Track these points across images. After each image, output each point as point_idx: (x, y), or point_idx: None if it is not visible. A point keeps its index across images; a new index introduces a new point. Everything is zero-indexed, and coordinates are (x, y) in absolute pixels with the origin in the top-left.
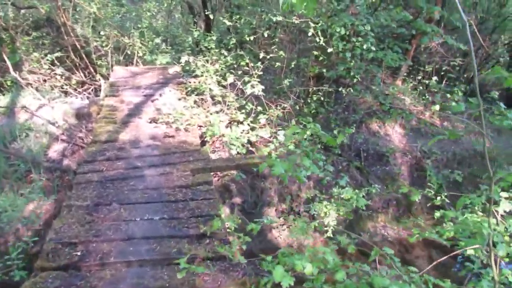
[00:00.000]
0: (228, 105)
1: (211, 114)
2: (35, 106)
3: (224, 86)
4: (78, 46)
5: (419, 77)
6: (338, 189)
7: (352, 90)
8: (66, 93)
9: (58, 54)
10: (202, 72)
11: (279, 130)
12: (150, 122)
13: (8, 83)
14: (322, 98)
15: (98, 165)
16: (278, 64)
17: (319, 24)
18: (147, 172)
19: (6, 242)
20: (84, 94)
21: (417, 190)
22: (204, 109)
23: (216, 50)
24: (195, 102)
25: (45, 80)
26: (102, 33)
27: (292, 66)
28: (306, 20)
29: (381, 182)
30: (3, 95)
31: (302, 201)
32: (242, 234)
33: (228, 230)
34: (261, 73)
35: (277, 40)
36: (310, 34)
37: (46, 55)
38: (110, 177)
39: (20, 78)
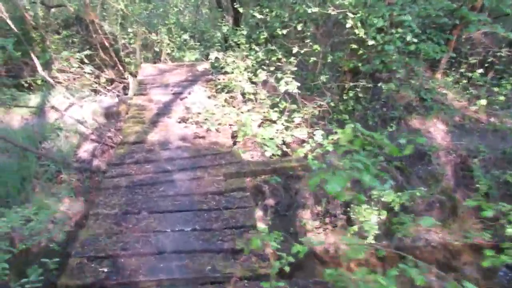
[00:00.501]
0: (260, 103)
1: (242, 113)
2: (64, 105)
3: (254, 83)
4: (107, 44)
5: (462, 70)
6: (379, 191)
7: (391, 85)
8: (95, 91)
9: (87, 52)
10: (232, 69)
11: (316, 129)
12: (180, 122)
13: (38, 82)
14: (358, 94)
15: (127, 169)
16: (313, 59)
17: (358, 15)
18: (177, 176)
19: (39, 243)
20: (114, 92)
21: (489, 204)
22: (235, 107)
23: (246, 45)
24: (225, 100)
25: (74, 79)
26: (129, 30)
27: (329, 60)
28: (344, 10)
29: (424, 183)
30: (34, 94)
31: (339, 203)
32: (285, 254)
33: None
34: (295, 68)
35: (310, 33)
36: (348, 26)
37: (75, 53)
38: (139, 182)
39: (49, 77)
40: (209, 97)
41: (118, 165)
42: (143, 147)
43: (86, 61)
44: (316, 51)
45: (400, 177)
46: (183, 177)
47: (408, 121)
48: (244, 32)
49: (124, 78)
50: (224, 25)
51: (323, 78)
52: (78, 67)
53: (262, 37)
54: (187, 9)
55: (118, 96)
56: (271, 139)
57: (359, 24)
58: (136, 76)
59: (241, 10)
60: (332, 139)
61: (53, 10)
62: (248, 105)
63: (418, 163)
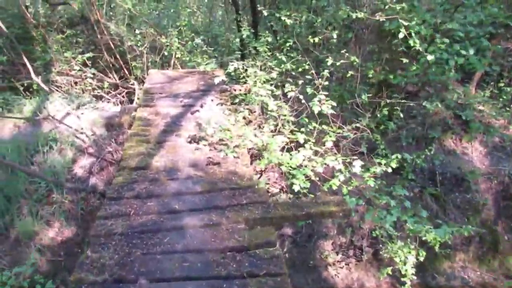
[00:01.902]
0: (285, 122)
1: (263, 133)
2: (62, 113)
3: (276, 96)
4: (112, 46)
5: (501, 84)
6: (415, 225)
7: (435, 102)
8: (97, 97)
9: (90, 54)
10: (254, 82)
11: (354, 158)
12: (190, 142)
13: (35, 86)
14: (392, 111)
15: (125, 205)
16: (350, 72)
17: (414, 22)
18: (188, 221)
19: (24, 277)
20: (117, 98)
21: None
22: (255, 127)
23: (269, 53)
24: (243, 117)
25: (76, 83)
26: (137, 31)
27: (370, 76)
28: (394, 17)
29: (461, 213)
30: (29, 99)
31: (366, 235)
32: None
33: None
34: (326, 83)
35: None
36: (401, 35)
37: (78, 55)
38: (139, 227)
39: (45, 82)
40: (224, 111)
41: (115, 200)
42: (146, 175)
43: (89, 63)
44: (355, 63)
45: (435, 205)
46: (194, 222)
47: (442, 141)
48: (269, 39)
49: (129, 84)
50: (244, 30)
51: (363, 96)
52: (80, 69)
53: (287, 44)
54: (200, 10)
55: (121, 103)
56: (299, 167)
57: (413, 35)
58: (142, 82)
59: (265, 12)
60: (374, 172)
61: (59, 8)
62: (269, 122)
63: (455, 190)
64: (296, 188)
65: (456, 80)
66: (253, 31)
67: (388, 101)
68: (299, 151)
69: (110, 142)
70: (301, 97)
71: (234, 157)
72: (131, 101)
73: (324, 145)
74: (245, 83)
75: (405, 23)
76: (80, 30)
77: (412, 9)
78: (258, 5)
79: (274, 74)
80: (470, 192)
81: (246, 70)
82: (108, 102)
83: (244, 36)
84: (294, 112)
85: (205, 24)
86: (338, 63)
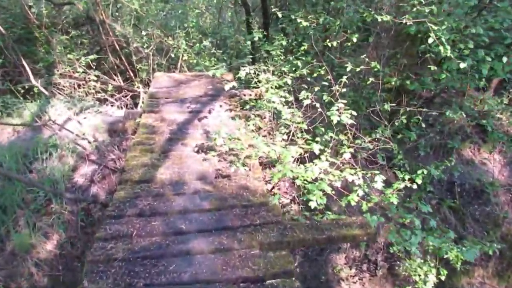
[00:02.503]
0: (297, 130)
1: (273, 142)
2: (64, 117)
3: (288, 102)
4: (117, 47)
5: None
6: (437, 242)
7: (456, 110)
8: (100, 100)
9: (93, 56)
10: (266, 89)
11: (375, 173)
12: (198, 152)
13: (36, 88)
14: (410, 120)
15: (126, 225)
16: (371, 79)
17: (444, 27)
18: (195, 245)
19: None
20: (122, 101)
21: None
22: (265, 134)
23: (282, 57)
24: (254, 124)
25: (79, 85)
26: (143, 33)
27: (387, 82)
28: (422, 20)
29: (481, 227)
30: (31, 102)
31: (381, 249)
32: None
33: None
34: (344, 89)
35: (363, 45)
36: (431, 40)
37: (81, 56)
38: (142, 252)
39: (41, 86)
40: (233, 118)
41: (115, 219)
42: (150, 189)
43: (92, 65)
44: (376, 69)
45: (453, 219)
46: (203, 247)
47: (460, 151)
48: (284, 42)
49: (134, 87)
50: (255, 32)
51: (386, 106)
52: (83, 72)
53: (302, 48)
54: (208, 11)
55: (126, 106)
56: (315, 181)
57: (443, 40)
58: (147, 85)
59: (279, 14)
60: (397, 188)
61: (64, 8)
62: (281, 131)
63: (474, 202)
64: (312, 204)
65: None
66: (264, 33)
67: (408, 109)
68: (314, 163)
69: (113, 149)
70: (317, 105)
71: (245, 167)
72: (136, 105)
73: (341, 157)
74: (255, 87)
75: (435, 27)
76: (86, 31)
77: (440, 13)
78: (271, 7)
79: (288, 80)
80: (490, 204)
81: (257, 75)
82: (112, 105)
83: (255, 39)
84: (307, 119)
85: (213, 25)
86: (358, 69)
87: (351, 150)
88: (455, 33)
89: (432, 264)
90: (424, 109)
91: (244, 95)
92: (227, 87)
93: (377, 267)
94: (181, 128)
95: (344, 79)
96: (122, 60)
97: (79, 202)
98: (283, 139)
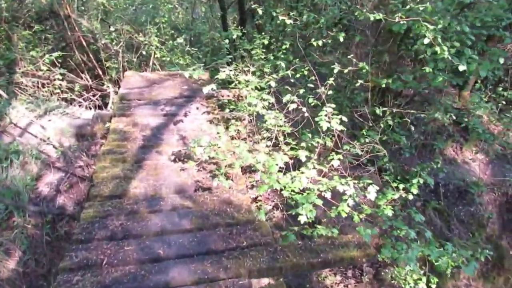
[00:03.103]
0: (279, 133)
1: (257, 149)
2: (27, 120)
3: (270, 103)
4: (84, 43)
5: (500, 89)
6: (435, 255)
7: (441, 109)
8: (67, 100)
9: (58, 53)
10: (248, 92)
11: (368, 182)
12: (174, 161)
13: None
14: (393, 120)
15: (95, 251)
16: (360, 81)
17: (440, 26)
18: (176, 275)
19: None
20: (91, 101)
21: None
22: (245, 137)
23: (262, 57)
24: (235, 129)
25: (43, 85)
26: (112, 28)
27: (380, 83)
28: (416, 19)
29: (465, 228)
30: None
31: None
32: None
33: None
34: (330, 92)
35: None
36: (426, 41)
37: (45, 53)
38: (114, 285)
39: None
40: (210, 121)
41: (83, 243)
42: (122, 206)
43: (57, 63)
44: (364, 70)
45: (438, 221)
46: (184, 277)
47: (442, 150)
48: (266, 41)
49: (104, 86)
50: (234, 30)
51: (377, 112)
52: (48, 69)
53: (283, 47)
54: (181, 6)
55: (95, 107)
56: (303, 191)
57: (439, 40)
58: (118, 84)
59: (260, 11)
60: (392, 197)
61: (26, 1)
62: (263, 135)
63: (459, 203)
64: (302, 219)
65: (449, 84)
66: (243, 31)
67: (394, 110)
68: (300, 171)
69: (81, 154)
70: (303, 109)
71: (226, 177)
72: (106, 105)
73: (329, 163)
74: (233, 88)
75: (430, 27)
76: (50, 25)
77: (433, 11)
78: (252, 3)
79: (272, 83)
80: (474, 205)
81: (237, 75)
82: (80, 105)
83: (234, 37)
84: (290, 121)
85: (186, 21)
86: (346, 70)
87: (340, 156)
88: (441, 31)
89: (422, 272)
90: (412, 111)
91: (222, 96)
92: (205, 90)
93: (363, 273)
94: (155, 134)
95: (330, 80)
96: (90, 57)
97: (44, 215)
98: (266, 145)
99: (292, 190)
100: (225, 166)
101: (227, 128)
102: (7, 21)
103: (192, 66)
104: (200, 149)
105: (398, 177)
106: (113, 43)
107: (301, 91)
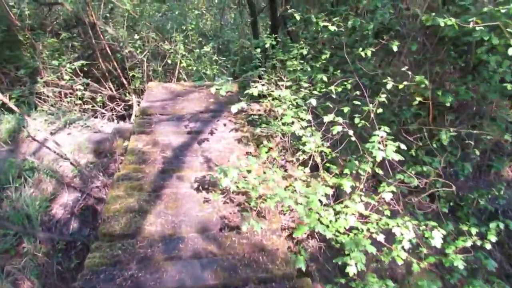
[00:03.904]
0: (317, 155)
1: (292, 176)
2: (45, 133)
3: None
4: (109, 52)
5: None
6: None
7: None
8: (90, 110)
9: (80, 62)
10: (283, 110)
11: (433, 226)
12: (198, 189)
13: (14, 96)
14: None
15: None
16: (418, 99)
17: None
18: None
19: None
20: (113, 113)
21: None
22: (279, 162)
23: (299, 67)
24: (268, 153)
25: (65, 95)
26: (136, 36)
27: (445, 100)
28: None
29: None
30: (11, 113)
31: None
32: None
33: None
34: (380, 110)
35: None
36: (511, 52)
37: (68, 63)
38: None
39: (9, 101)
40: (239, 141)
41: None
42: (134, 250)
43: (80, 73)
44: (423, 86)
45: (498, 254)
46: None
47: (498, 171)
48: (304, 51)
49: (127, 96)
50: (266, 38)
51: (444, 135)
52: (70, 79)
53: (323, 56)
54: (209, 13)
55: (118, 118)
56: (349, 231)
57: None
58: (141, 94)
59: (297, 16)
60: (463, 244)
61: (55, 8)
62: (299, 156)
63: None
64: (351, 270)
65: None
66: (277, 39)
67: (451, 129)
68: (344, 203)
69: (98, 174)
70: (350, 132)
71: (258, 213)
72: (130, 115)
73: (379, 194)
74: (264, 101)
75: None
76: (77, 33)
77: None
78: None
79: (313, 101)
80: None
81: (270, 90)
82: (103, 116)
83: (267, 45)
84: (328, 140)
85: (215, 28)
86: (401, 86)
87: (393, 188)
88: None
89: None
90: (475, 131)
91: (252, 110)
92: (234, 109)
93: None
94: (177, 155)
95: (382, 97)
96: (114, 66)
97: (56, 242)
98: (306, 180)
99: (337, 230)
100: (256, 198)
101: (257, 146)
102: (33, 28)
103: (219, 75)
104: (227, 181)
105: (451, 203)
106: (138, 52)
107: (345, 109)
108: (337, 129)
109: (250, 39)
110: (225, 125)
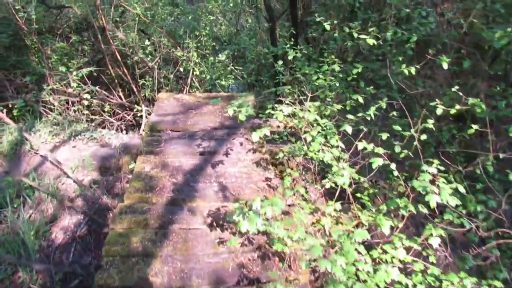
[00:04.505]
0: (347, 186)
1: (320, 210)
2: (50, 145)
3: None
4: (119, 57)
5: None
6: None
7: None
8: (98, 120)
9: (87, 70)
10: (312, 137)
11: None
12: (211, 225)
13: (18, 105)
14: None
15: None
16: (475, 127)
17: None
18: None
19: None
20: (122, 122)
21: None
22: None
23: (324, 84)
24: (293, 189)
25: (73, 103)
26: (147, 42)
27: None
28: None
29: None
30: (16, 122)
31: None
32: None
33: None
34: (424, 136)
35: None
36: None
37: (81, 66)
38: None
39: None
40: (258, 164)
41: None
42: None
43: (88, 80)
44: (480, 111)
45: None
46: None
47: None
48: (337, 67)
49: (138, 104)
50: (290, 50)
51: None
52: (78, 86)
53: (354, 71)
54: (224, 17)
55: (126, 129)
56: (390, 286)
57: None
58: (151, 103)
59: (327, 26)
60: None
61: (65, 11)
62: (326, 183)
63: None
64: None
65: None
66: (302, 50)
67: (490, 155)
68: (384, 249)
69: (101, 195)
70: (392, 166)
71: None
72: (139, 125)
73: (422, 236)
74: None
75: None
76: (87, 36)
77: None
78: (302, 12)
79: (348, 128)
80: None
81: (296, 113)
82: (111, 125)
83: (290, 57)
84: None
85: (230, 33)
86: (453, 111)
87: (441, 232)
88: None
89: None
90: None
91: (271, 126)
92: (255, 137)
93: None
94: (188, 181)
95: (429, 124)
96: (124, 72)
97: (54, 273)
98: (334, 209)
99: (377, 285)
100: (279, 239)
101: (275, 166)
102: (41, 32)
103: (236, 83)
104: (246, 225)
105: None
106: (148, 58)
107: (384, 135)
108: (377, 162)
109: (268, 46)
110: (241, 144)
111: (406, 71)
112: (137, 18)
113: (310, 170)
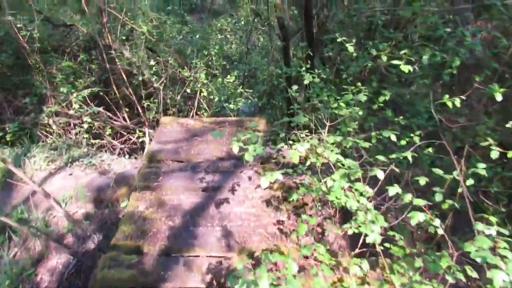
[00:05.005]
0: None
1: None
2: (45, 172)
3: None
4: (124, 77)
5: None
6: None
7: None
8: (93, 146)
9: (88, 91)
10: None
11: None
12: (210, 285)
13: (12, 129)
14: None
15: None
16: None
17: None
18: None
19: None
20: (125, 145)
21: None
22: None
23: (345, 113)
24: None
25: (74, 125)
26: (152, 62)
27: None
28: None
29: None
30: (11, 146)
31: None
32: None
33: None
34: (471, 181)
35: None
36: None
37: (86, 86)
38: None
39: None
40: (268, 203)
41: None
42: None
43: (90, 101)
44: None
45: None
46: None
47: None
48: (363, 97)
49: (142, 127)
50: (307, 75)
51: None
52: (80, 107)
53: (381, 99)
54: (235, 35)
55: (129, 153)
56: None
57: None
58: (155, 125)
59: (350, 47)
60: None
61: (73, 30)
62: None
63: None
64: None
65: None
66: (321, 75)
67: None
68: None
69: (95, 231)
70: (436, 222)
71: None
72: (143, 149)
73: None
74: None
75: None
76: (95, 55)
77: None
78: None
79: (380, 173)
80: None
81: (317, 150)
82: (114, 148)
83: (306, 81)
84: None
85: (240, 51)
86: (510, 155)
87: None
88: None
89: None
90: None
91: (284, 157)
92: (264, 183)
93: None
94: (187, 224)
95: (480, 168)
96: (130, 92)
97: None
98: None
99: None
100: None
101: (294, 210)
102: (45, 51)
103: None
104: (244, 234)
105: None
106: (154, 79)
107: (422, 180)
108: (417, 217)
109: (281, 66)
110: (250, 178)
111: (450, 103)
112: (143, 37)
113: (327, 206)
